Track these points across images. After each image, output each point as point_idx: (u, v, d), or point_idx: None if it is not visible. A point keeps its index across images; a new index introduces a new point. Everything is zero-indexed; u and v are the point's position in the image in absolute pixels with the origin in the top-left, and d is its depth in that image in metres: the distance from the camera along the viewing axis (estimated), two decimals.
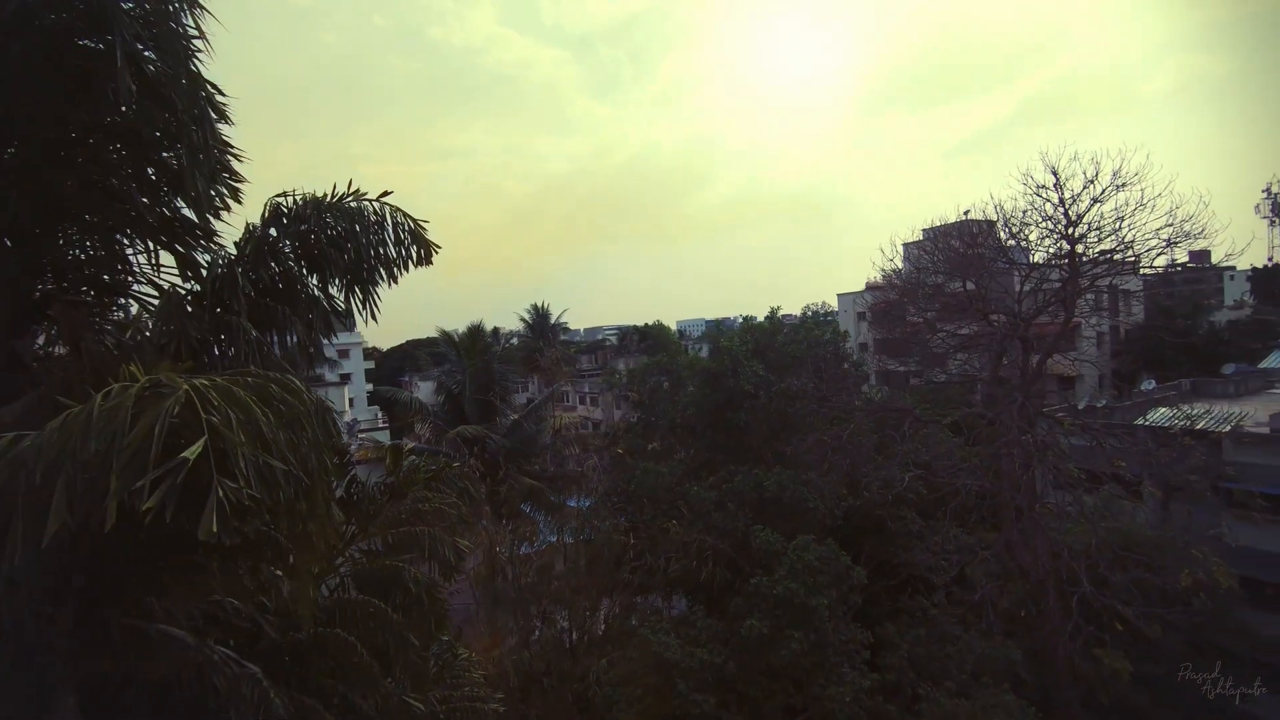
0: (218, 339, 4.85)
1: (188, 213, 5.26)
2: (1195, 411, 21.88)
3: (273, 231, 5.43)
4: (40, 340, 5.22)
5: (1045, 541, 16.64)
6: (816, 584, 13.62)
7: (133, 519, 3.16)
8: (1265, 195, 69.02)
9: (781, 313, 22.61)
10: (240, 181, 5.15)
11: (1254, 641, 17.61)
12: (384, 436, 49.98)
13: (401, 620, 6.02)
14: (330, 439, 4.41)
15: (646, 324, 67.73)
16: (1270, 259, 62.38)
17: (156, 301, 5.54)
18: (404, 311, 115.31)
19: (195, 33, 4.62)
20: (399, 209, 6.49)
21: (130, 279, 5.34)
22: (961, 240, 18.62)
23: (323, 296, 5.74)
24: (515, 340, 49.44)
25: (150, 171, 4.74)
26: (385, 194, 6.53)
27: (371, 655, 5.81)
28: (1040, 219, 16.90)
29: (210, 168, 4.69)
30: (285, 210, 5.53)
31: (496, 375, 20.37)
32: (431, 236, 6.53)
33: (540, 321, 47.92)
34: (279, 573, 5.53)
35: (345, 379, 60.68)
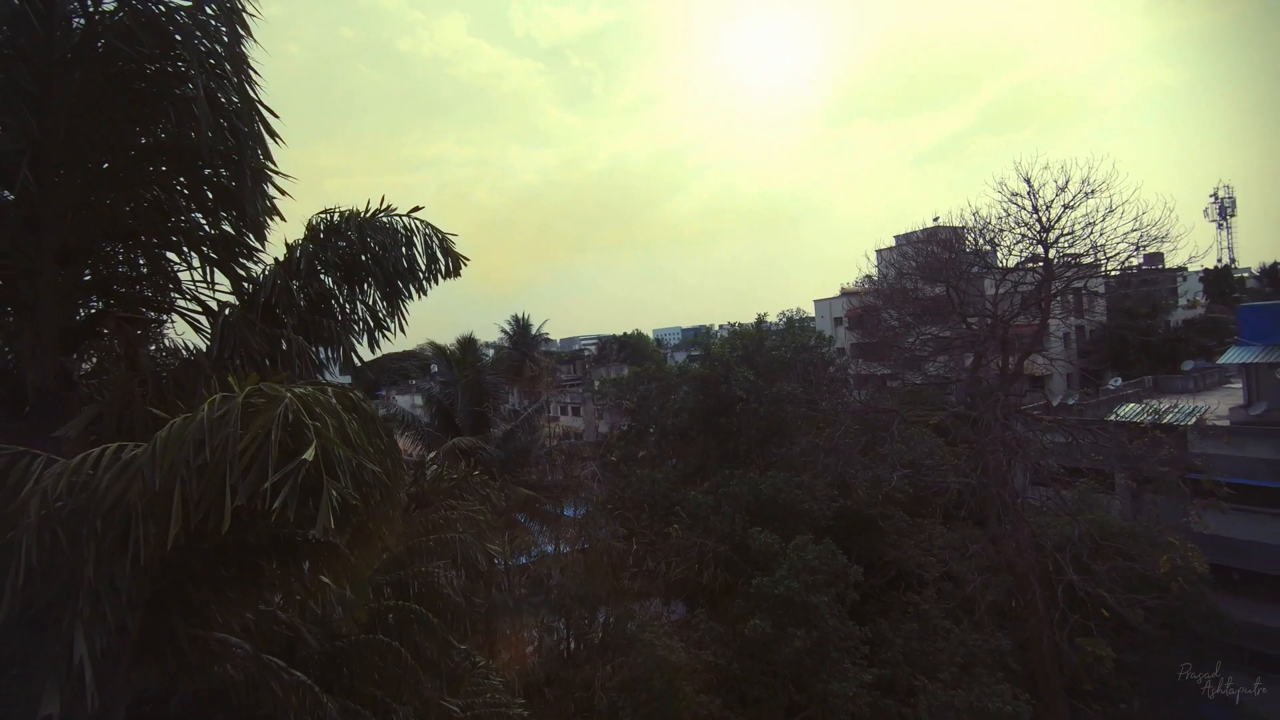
0: (272, 351, 4.97)
1: (227, 228, 5.38)
2: (1162, 406, 22.94)
3: (312, 246, 5.57)
4: (89, 357, 5.27)
5: (1028, 535, 17.28)
6: (815, 582, 13.97)
7: (202, 524, 3.31)
8: (1213, 200, 72.49)
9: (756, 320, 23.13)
10: (283, 196, 5.28)
11: (1224, 625, 18.45)
12: None
13: (444, 625, 6.15)
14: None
15: (626, 333, 68.03)
16: (1220, 260, 65.39)
17: (199, 317, 5.64)
18: None
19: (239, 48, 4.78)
20: (429, 223, 6.69)
21: (174, 295, 5.43)
22: (942, 246, 19.31)
23: (365, 309, 5.88)
24: (492, 352, 49.23)
25: (207, 191, 4.86)
26: (416, 209, 6.73)
27: (415, 661, 5.92)
28: (1015, 225, 17.69)
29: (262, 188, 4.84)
30: (328, 226, 5.68)
31: (489, 387, 20.42)
32: None
33: (521, 333, 47.80)
34: (325, 579, 5.62)
35: None
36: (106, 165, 4.60)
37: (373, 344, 5.81)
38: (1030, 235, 17.31)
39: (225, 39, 4.26)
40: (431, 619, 6.09)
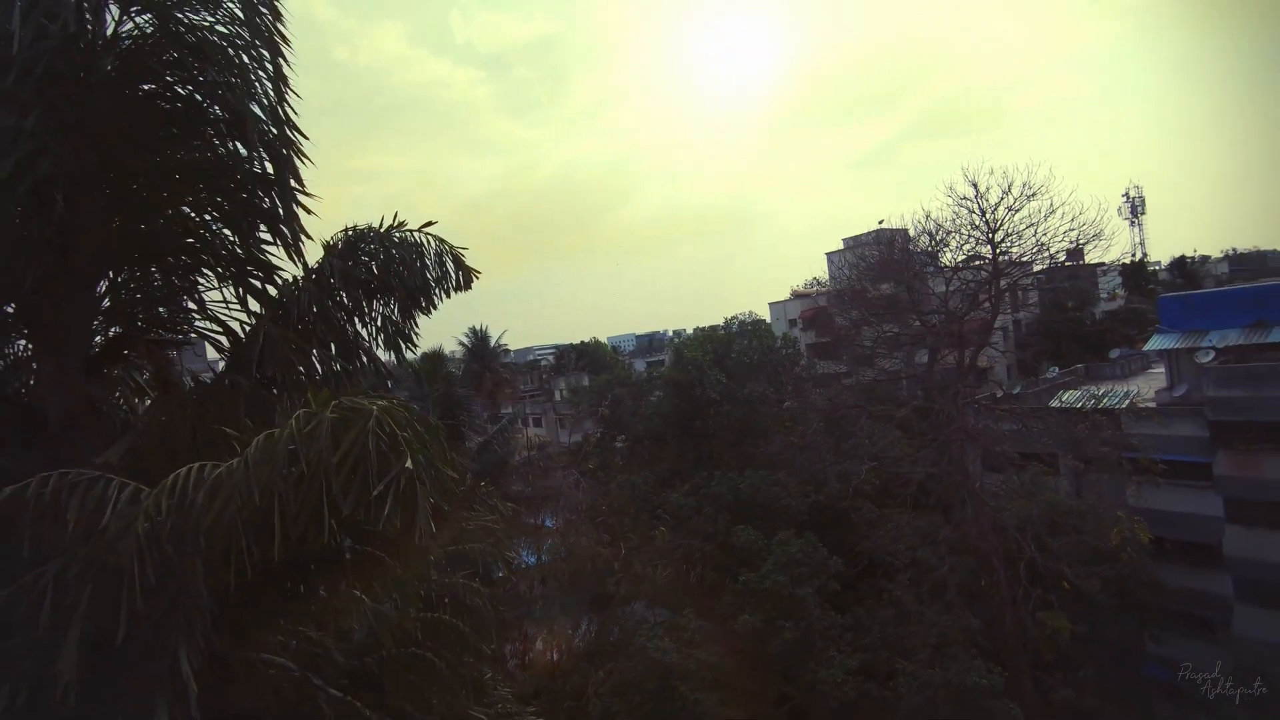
0: (308, 367, 4.98)
1: (265, 249, 5.36)
2: (1099, 392, 24.67)
3: (338, 261, 5.59)
4: (114, 380, 5.13)
5: (989, 518, 18.33)
6: (800, 575, 14.46)
7: (259, 543, 3.38)
8: (1125, 199, 78.09)
9: (712, 324, 23.72)
10: (310, 214, 5.29)
11: (1163, 592, 19.96)
12: None
13: (474, 635, 6.20)
14: None
15: (584, 341, 67.94)
16: (1134, 255, 70.38)
17: (219, 337, 5.57)
18: None
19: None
20: (442, 238, 6.78)
21: (193, 316, 5.35)
22: (900, 249, 20.31)
23: (387, 323, 5.92)
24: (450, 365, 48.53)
25: (241, 212, 4.83)
26: (428, 224, 6.80)
27: (449, 672, 5.96)
28: (963, 227, 18.84)
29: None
30: (349, 241, 5.71)
31: (460, 400, 20.23)
32: None
33: (480, 344, 47.26)
34: (359, 594, 5.61)
35: None
36: (136, 187, 4.53)
37: (399, 357, 5.85)
38: (977, 236, 18.49)
39: (266, 62, 4.30)
40: (462, 629, 6.14)
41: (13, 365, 4.94)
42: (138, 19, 4.06)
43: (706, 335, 22.07)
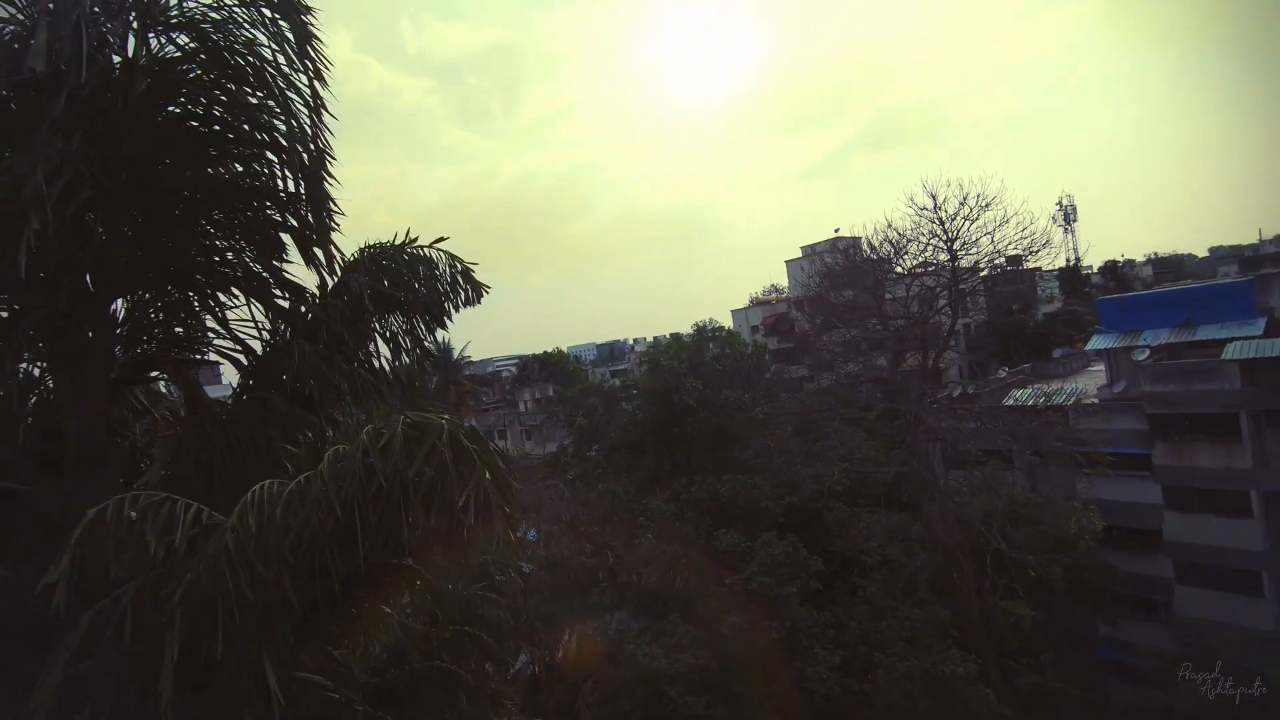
0: (338, 380, 4.99)
1: (272, 263, 5.35)
2: (1050, 390, 26.08)
3: (362, 277, 5.62)
4: (139, 404, 5.01)
5: (954, 513, 19.17)
6: (783, 576, 14.84)
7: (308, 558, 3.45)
8: (1059, 208, 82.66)
9: (672, 332, 24.17)
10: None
11: (1115, 578, 21.19)
12: None
13: (497, 646, 6.25)
14: None
15: (546, 352, 67.50)
16: (1069, 260, 74.52)
17: (237, 354, 5.52)
18: None
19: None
20: (453, 254, 6.86)
21: (211, 335, 5.28)
22: (865, 253, 21.11)
23: (406, 337, 5.97)
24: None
25: (274, 231, 4.82)
26: (439, 240, 6.87)
27: (475, 683, 6.00)
28: (922, 235, 19.79)
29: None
30: (370, 257, 5.75)
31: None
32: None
33: (444, 357, 46.55)
34: (386, 609, 5.61)
35: None
36: (165, 206, 4.49)
37: (422, 370, 5.90)
38: (936, 244, 19.46)
39: (303, 86, 4.34)
40: (486, 640, 6.18)
41: (28, 386, 4.79)
42: (179, 39, 4.06)
43: (681, 343, 22.41)
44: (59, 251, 3.94)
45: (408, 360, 5.89)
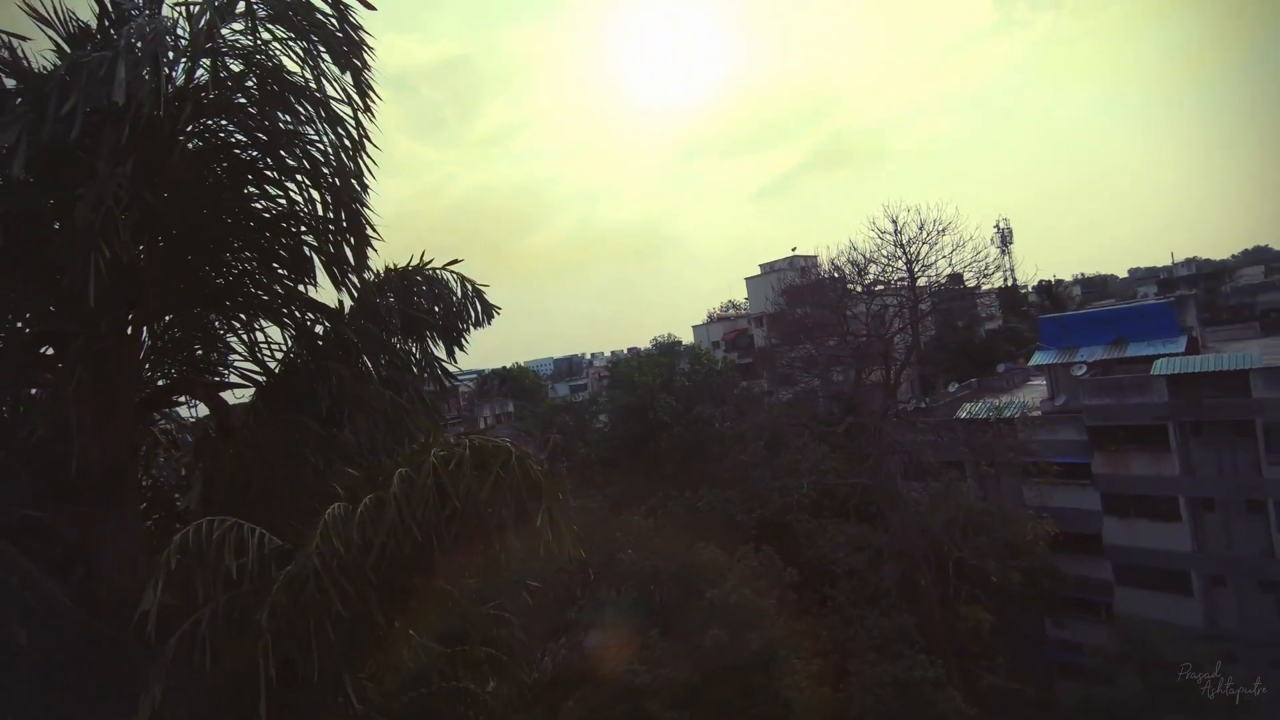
0: (371, 401, 5.04)
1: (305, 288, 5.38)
2: (1000, 403, 27.52)
3: (389, 299, 5.69)
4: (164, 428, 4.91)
5: (915, 523, 20.00)
6: (761, 587, 15.17)
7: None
8: (996, 230, 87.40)
9: (629, 347, 24.50)
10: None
11: (1064, 581, 22.41)
12: None
13: (513, 665, 6.29)
14: None
15: (506, 367, 66.75)
16: (1006, 280, 78.82)
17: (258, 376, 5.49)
18: None
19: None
20: (465, 276, 6.97)
21: (238, 357, 5.25)
22: (829, 272, 21.95)
23: (425, 356, 6.05)
24: None
25: (311, 255, 4.86)
26: (453, 262, 6.98)
27: (493, 703, 6.04)
28: (881, 257, 20.81)
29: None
30: (392, 278, 5.83)
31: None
32: None
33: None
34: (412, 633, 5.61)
35: None
36: (204, 230, 4.49)
37: (443, 388, 5.98)
38: (895, 266, 20.49)
39: (350, 113, 4.44)
40: (502, 659, 6.21)
41: (46, 410, 4.65)
42: (231, 64, 4.12)
43: (654, 359, 22.71)
44: (107, 278, 3.92)
45: (426, 380, 5.95)
